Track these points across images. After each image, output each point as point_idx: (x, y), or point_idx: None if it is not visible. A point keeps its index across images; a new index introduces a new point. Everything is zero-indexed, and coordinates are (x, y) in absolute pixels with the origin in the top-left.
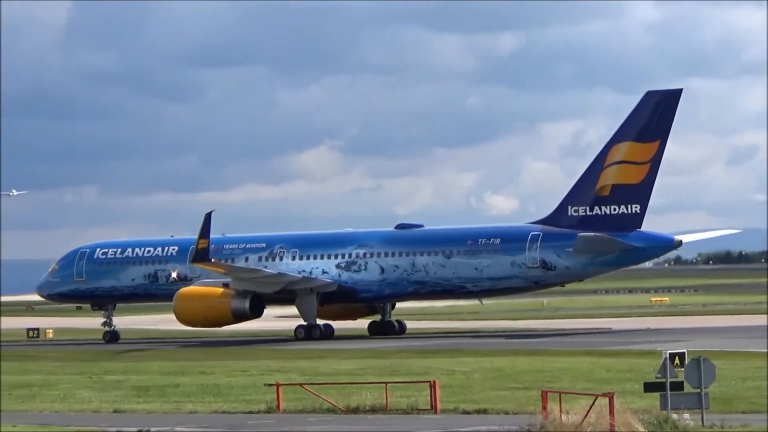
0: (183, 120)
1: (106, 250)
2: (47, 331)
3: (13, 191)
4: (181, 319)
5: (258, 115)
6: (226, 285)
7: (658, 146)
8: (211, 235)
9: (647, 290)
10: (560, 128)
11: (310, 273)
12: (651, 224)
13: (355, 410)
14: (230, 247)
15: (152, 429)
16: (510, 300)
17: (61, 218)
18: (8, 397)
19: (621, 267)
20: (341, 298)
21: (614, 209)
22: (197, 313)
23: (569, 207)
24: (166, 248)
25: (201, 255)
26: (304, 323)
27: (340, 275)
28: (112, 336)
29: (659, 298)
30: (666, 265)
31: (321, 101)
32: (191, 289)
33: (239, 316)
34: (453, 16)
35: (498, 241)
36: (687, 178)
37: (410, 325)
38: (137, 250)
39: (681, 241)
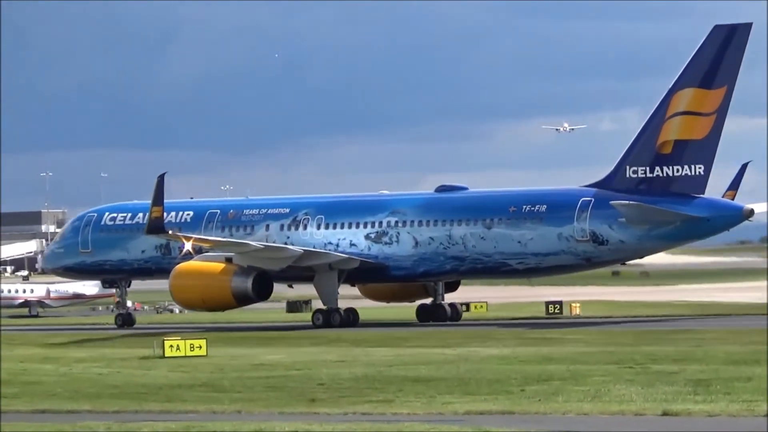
0: None
1: (115, 215)
2: (573, 305)
3: (565, 125)
4: (178, 299)
5: None
6: (229, 260)
7: (725, 93)
8: (234, 198)
9: None
10: None
11: (337, 245)
12: None
13: None
14: (251, 212)
15: None
16: None
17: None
18: (521, 394)
19: (686, 241)
20: (370, 276)
21: (677, 170)
22: (194, 292)
23: (627, 167)
24: (180, 213)
25: (155, 225)
26: (323, 307)
27: (369, 248)
28: (125, 319)
29: None
30: None
31: None
32: (189, 264)
33: (241, 299)
34: None
35: (544, 208)
36: None
37: None
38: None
39: (752, 210)
